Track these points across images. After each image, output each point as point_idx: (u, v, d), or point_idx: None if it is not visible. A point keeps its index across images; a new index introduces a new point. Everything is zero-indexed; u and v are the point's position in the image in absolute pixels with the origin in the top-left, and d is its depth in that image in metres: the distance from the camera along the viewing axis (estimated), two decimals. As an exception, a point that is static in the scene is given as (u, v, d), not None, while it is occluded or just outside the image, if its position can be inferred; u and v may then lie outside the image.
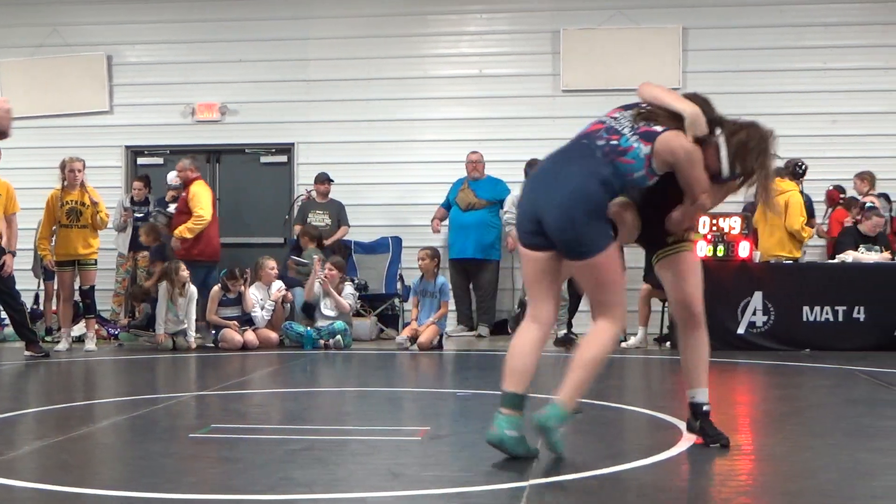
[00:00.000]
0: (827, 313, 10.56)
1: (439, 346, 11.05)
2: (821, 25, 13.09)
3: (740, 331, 10.50)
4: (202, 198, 11.73)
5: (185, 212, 11.73)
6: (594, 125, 5.29)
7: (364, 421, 6.54)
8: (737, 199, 12.05)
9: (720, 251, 10.69)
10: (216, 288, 11.54)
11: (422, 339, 10.98)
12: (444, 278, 11.59)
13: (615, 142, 5.07)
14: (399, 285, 12.93)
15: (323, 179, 12.90)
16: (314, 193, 13.03)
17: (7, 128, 4.51)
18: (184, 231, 11.57)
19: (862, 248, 11.10)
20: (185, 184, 11.91)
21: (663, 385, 7.81)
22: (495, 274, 12.72)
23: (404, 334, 11.24)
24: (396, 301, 12.82)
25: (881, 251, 11.12)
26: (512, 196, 11.83)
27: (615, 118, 5.26)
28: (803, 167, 11.76)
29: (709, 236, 10.70)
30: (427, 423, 6.21)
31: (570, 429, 6.07)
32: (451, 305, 12.19)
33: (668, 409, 6.52)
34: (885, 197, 12.36)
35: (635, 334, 11.20)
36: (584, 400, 7.09)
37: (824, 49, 13.05)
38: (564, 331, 11.02)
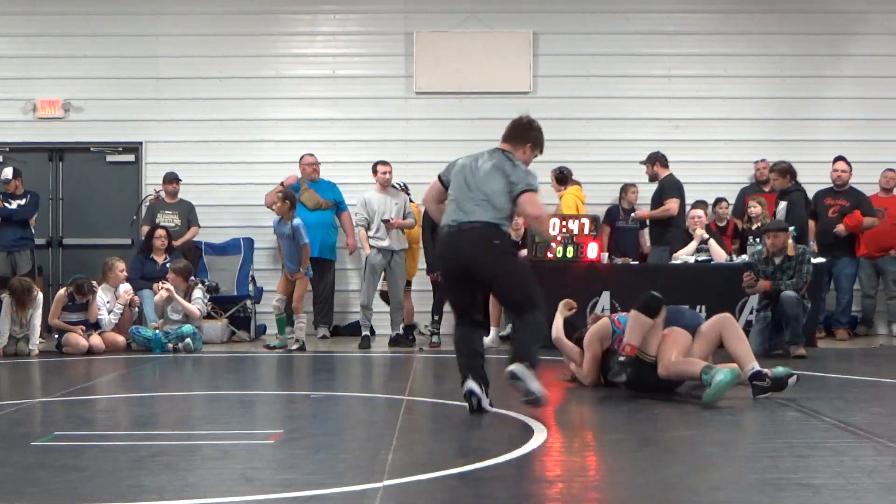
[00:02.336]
0: (671, 312, 10.91)
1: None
2: (665, 34, 13.53)
3: (590, 329, 10.72)
4: None
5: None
6: None
7: (215, 425, 6.44)
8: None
9: (570, 252, 10.93)
10: (62, 291, 11.18)
11: (296, 294, 11.09)
12: (299, 220, 11.30)
13: None
14: (251, 287, 12.77)
15: (171, 179, 12.64)
16: (163, 193, 12.76)
17: None
18: None
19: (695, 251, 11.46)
20: None
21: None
22: (334, 275, 12.76)
23: (279, 293, 11.20)
24: (248, 303, 12.66)
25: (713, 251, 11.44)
26: (363, 198, 11.82)
27: None
28: (567, 172, 12.12)
29: (559, 238, 10.93)
30: (280, 426, 6.17)
31: (424, 429, 6.11)
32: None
33: (519, 408, 6.63)
34: (724, 201, 12.82)
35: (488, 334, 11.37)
36: (437, 400, 7.17)
37: (668, 57, 13.49)
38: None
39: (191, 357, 10.66)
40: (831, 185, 12.24)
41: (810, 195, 12.12)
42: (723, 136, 13.39)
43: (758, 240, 11.10)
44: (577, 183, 12.43)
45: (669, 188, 11.79)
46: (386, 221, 11.62)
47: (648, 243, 12.54)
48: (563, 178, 12.20)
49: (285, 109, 13.41)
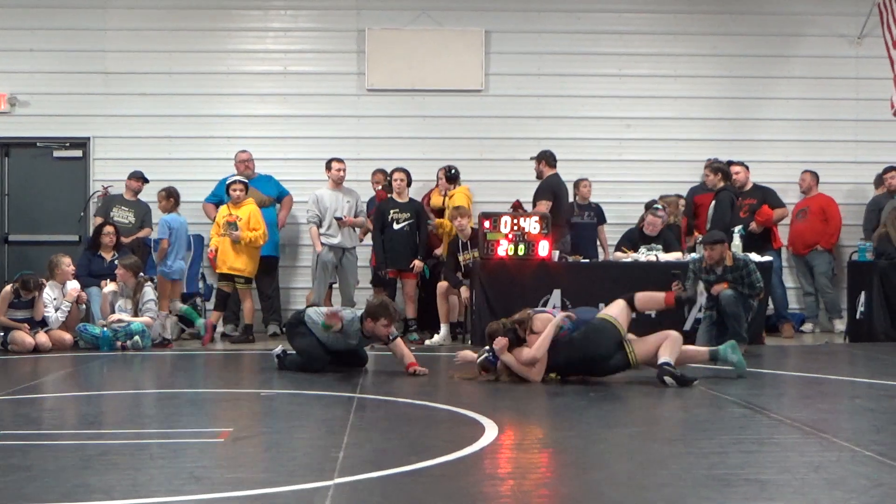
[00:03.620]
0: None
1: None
2: (615, 33, 13.61)
3: (540, 326, 10.76)
4: None
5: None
6: None
7: (164, 423, 6.39)
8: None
9: (521, 250, 10.97)
10: (7, 288, 11.02)
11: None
12: (169, 216, 11.80)
13: None
14: (201, 284, 12.68)
15: (138, 177, 12.50)
16: (112, 189, 12.63)
17: None
18: None
19: (643, 248, 11.49)
20: None
21: (470, 384, 7.95)
22: (277, 271, 12.72)
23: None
24: (198, 300, 12.56)
25: (662, 250, 11.47)
26: (315, 195, 11.78)
27: None
28: (453, 171, 12.19)
29: (510, 236, 10.96)
30: (230, 425, 6.13)
31: (375, 426, 6.11)
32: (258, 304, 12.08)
33: (470, 406, 6.65)
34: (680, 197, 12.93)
35: (438, 332, 11.38)
36: (388, 398, 7.17)
37: (619, 56, 13.58)
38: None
39: (139, 355, 10.55)
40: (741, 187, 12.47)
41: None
42: (673, 135, 13.51)
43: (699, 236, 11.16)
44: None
45: (543, 190, 11.81)
46: (338, 219, 11.60)
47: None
48: (451, 177, 12.20)
49: (236, 106, 13.32)
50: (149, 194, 12.56)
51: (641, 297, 8.37)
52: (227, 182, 11.87)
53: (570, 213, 12.65)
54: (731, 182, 11.85)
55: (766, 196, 12.49)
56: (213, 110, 13.28)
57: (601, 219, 12.86)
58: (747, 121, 13.61)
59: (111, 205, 12.51)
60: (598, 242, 12.89)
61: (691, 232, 12.58)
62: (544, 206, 11.70)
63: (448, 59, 13.37)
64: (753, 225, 12.22)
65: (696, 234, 12.27)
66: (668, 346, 7.92)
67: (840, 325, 12.57)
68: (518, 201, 12.70)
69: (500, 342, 7.94)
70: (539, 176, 12.00)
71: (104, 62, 13.28)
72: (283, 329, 12.39)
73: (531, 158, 12.10)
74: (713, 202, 11.78)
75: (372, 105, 13.40)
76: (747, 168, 12.61)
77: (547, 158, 11.98)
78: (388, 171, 12.26)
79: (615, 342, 7.96)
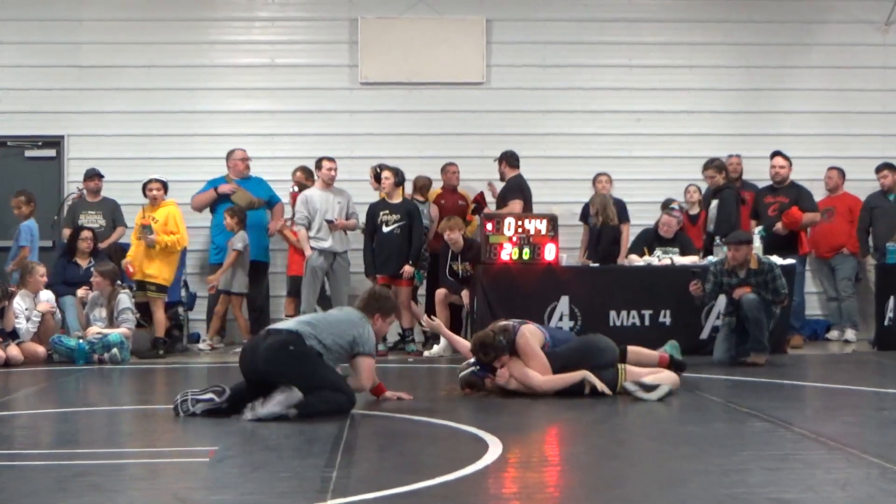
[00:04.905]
0: (634, 317, 10.99)
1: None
2: (625, 21, 13.63)
3: (546, 336, 10.76)
4: None
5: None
6: None
7: (145, 442, 6.38)
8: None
9: (526, 254, 10.96)
10: (-27, 297, 11.01)
11: None
12: (31, 223, 11.84)
13: None
14: (183, 293, 12.67)
15: (93, 175, 12.50)
16: (86, 192, 12.64)
17: None
18: None
19: (658, 251, 11.49)
20: None
21: (469, 398, 7.94)
22: (267, 278, 12.71)
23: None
24: (181, 310, 12.55)
25: (679, 254, 11.47)
26: (304, 195, 11.77)
27: None
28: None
29: (514, 238, 10.95)
30: (215, 443, 6.12)
31: (371, 444, 6.11)
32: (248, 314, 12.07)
33: (472, 421, 6.64)
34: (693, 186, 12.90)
35: (438, 342, 11.36)
36: (384, 413, 7.16)
37: (629, 45, 13.59)
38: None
39: (117, 369, 10.54)
40: (770, 182, 12.40)
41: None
42: (686, 129, 13.52)
43: (722, 239, 11.14)
44: None
45: (512, 189, 12.04)
46: (329, 222, 11.58)
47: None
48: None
49: (220, 101, 13.33)
50: (113, 191, 12.57)
51: (634, 351, 8.40)
52: (145, 182, 11.90)
53: (587, 214, 12.58)
54: (732, 179, 11.83)
55: (799, 196, 12.22)
56: (195, 106, 13.28)
57: (620, 218, 12.67)
58: (766, 114, 13.63)
59: (77, 212, 12.50)
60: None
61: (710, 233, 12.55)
62: (517, 205, 11.77)
63: (447, 50, 13.38)
64: (779, 226, 11.99)
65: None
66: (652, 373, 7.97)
67: (852, 334, 12.53)
68: (481, 194, 12.80)
69: (504, 375, 7.90)
70: (503, 177, 12.25)
71: (78, 55, 13.28)
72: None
73: (495, 160, 12.34)
74: (714, 201, 11.78)
75: (365, 99, 13.40)
76: (790, 161, 12.26)
77: (508, 159, 12.30)
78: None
79: (611, 358, 8.03)
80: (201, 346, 12.11)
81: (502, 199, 12.25)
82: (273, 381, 6.95)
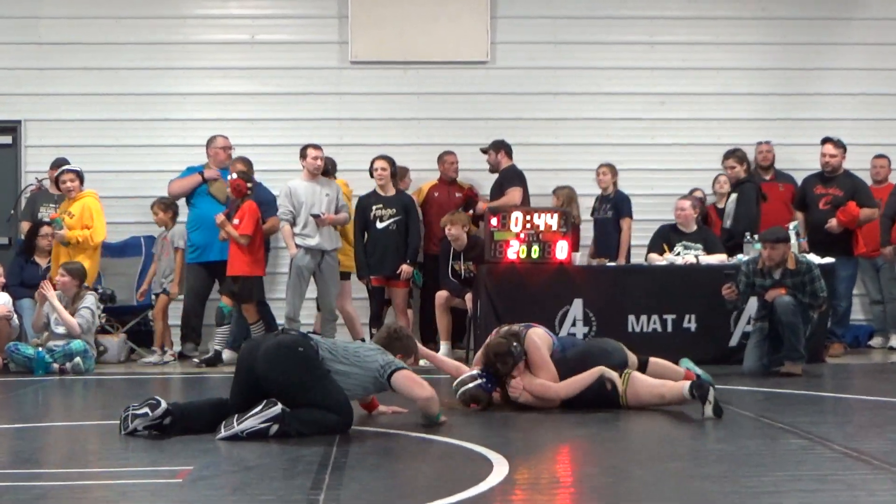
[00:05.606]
0: (655, 323, 10.99)
1: None
2: (645, -8, 13.64)
3: (557, 344, 10.77)
4: None
5: None
6: None
7: (112, 461, 6.38)
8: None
9: (535, 253, 10.96)
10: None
11: None
12: None
13: None
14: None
15: (60, 165, 12.51)
16: (47, 182, 12.64)
17: None
18: None
19: (678, 247, 11.44)
20: None
21: (471, 412, 7.95)
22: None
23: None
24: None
25: (702, 250, 11.41)
26: (287, 187, 11.73)
27: None
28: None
29: (521, 235, 10.94)
30: (189, 462, 6.12)
31: (364, 463, 6.11)
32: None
33: (475, 438, 6.64)
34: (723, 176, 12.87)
35: (437, 349, 11.34)
36: (377, 429, 7.17)
37: (650, 20, 13.58)
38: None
39: (81, 379, 10.55)
40: (820, 170, 12.33)
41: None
42: (715, 113, 13.52)
43: (755, 236, 11.15)
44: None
45: (510, 177, 12.12)
46: (316, 216, 11.53)
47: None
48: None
49: (194, 82, 13.33)
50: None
51: (657, 363, 8.44)
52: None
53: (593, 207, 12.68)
54: (761, 169, 11.82)
55: (855, 189, 12.13)
56: (167, 88, 13.28)
57: (620, 212, 12.68)
58: (803, 96, 13.63)
59: (37, 204, 12.50)
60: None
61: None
62: (517, 193, 11.80)
63: (447, 26, 13.38)
64: (833, 223, 11.92)
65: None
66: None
67: None
68: (472, 188, 12.77)
69: (519, 387, 7.91)
70: (495, 168, 12.32)
71: (37, 31, 13.29)
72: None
73: (483, 150, 12.38)
74: (733, 195, 11.74)
75: (356, 80, 13.40)
76: (844, 149, 12.18)
77: (505, 148, 12.37)
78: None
79: (619, 361, 8.11)
80: (152, 358, 11.90)
81: (498, 189, 12.25)
82: (267, 388, 6.86)
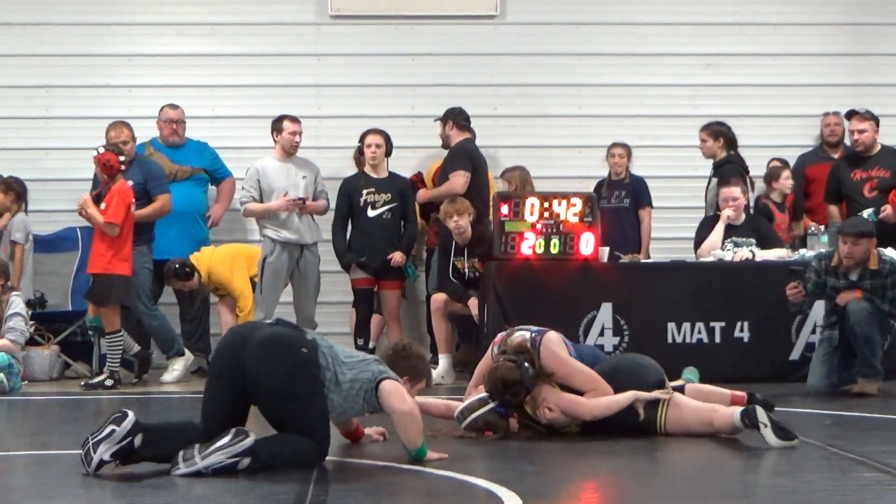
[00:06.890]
0: (700, 332, 10.98)
1: None
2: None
3: (584, 355, 10.78)
4: None
5: None
6: None
7: (42, 499, 6.39)
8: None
9: (554, 247, 10.94)
10: None
11: None
12: None
13: None
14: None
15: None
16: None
17: None
18: None
19: (727, 242, 11.38)
20: None
21: (475, 441, 7.96)
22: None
23: None
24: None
25: (756, 245, 11.37)
26: (255, 167, 11.70)
27: None
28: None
29: (538, 226, 10.91)
30: (134, 502, 6.13)
31: (348, 498, 6.12)
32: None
33: (481, 471, 6.65)
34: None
35: (437, 364, 11.35)
36: (362, 461, 7.18)
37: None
38: None
39: (5, 401, 10.56)
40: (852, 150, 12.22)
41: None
42: (772, 79, 13.53)
43: (822, 228, 11.11)
44: None
45: (455, 158, 11.99)
46: (300, 201, 11.44)
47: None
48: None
49: (141, 41, 13.36)
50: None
51: (693, 387, 8.56)
52: None
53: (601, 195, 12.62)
54: (736, 151, 11.79)
55: None
56: (108, 48, 13.32)
57: (638, 200, 12.77)
58: (876, 57, 13.64)
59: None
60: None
61: (800, 217, 12.57)
62: (460, 179, 11.70)
63: (447, -28, 13.40)
64: (888, 210, 11.69)
65: (806, 222, 12.24)
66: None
67: None
68: (420, 174, 12.80)
69: (553, 415, 7.88)
70: (446, 143, 12.22)
71: (-51, -20, 13.32)
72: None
73: (435, 120, 12.29)
74: (713, 181, 11.71)
75: (338, 38, 13.41)
76: (876, 120, 12.01)
77: (455, 118, 12.20)
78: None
79: (656, 380, 8.06)
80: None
81: (445, 169, 12.13)
82: (249, 390, 6.71)
